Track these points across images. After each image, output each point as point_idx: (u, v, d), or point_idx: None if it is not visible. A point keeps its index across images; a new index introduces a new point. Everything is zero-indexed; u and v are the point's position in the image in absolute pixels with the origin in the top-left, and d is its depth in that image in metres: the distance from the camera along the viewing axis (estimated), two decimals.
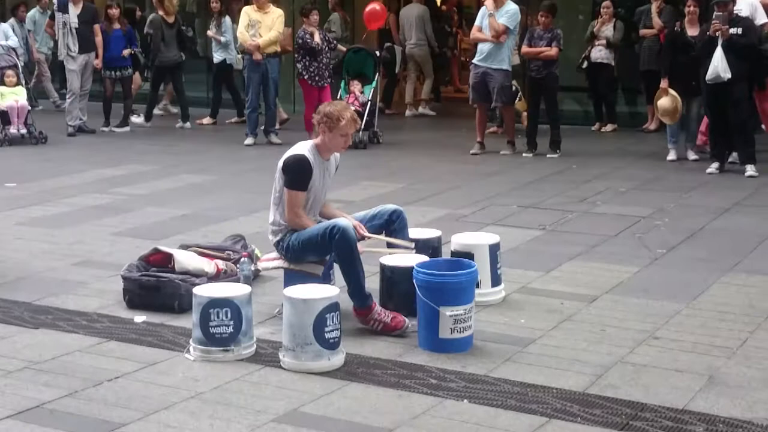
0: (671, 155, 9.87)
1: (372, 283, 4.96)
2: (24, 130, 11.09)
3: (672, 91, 9.43)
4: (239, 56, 12.48)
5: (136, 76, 13.17)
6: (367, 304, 4.71)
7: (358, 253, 4.69)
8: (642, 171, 9.36)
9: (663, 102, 9.53)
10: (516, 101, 11.03)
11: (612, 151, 10.63)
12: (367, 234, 4.91)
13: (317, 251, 4.81)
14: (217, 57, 12.69)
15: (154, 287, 5.10)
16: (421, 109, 13.66)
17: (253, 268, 5.40)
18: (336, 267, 5.05)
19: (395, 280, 4.83)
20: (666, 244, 6.48)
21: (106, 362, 4.37)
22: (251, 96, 10.99)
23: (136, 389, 4.05)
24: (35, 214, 7.55)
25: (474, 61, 10.30)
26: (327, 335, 4.23)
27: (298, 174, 4.80)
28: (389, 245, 4.98)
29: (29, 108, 11.35)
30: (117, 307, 5.16)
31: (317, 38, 10.79)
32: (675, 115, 9.53)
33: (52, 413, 3.82)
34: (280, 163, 4.87)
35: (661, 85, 9.55)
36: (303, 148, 4.89)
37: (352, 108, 10.52)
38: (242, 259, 5.35)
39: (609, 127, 12.04)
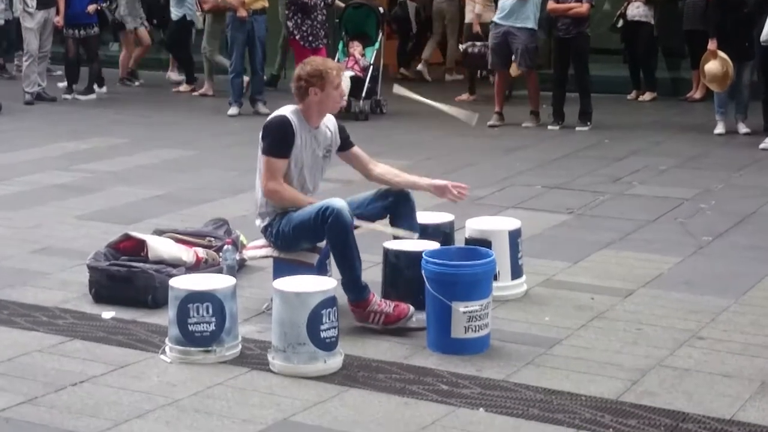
0: (719, 128, 9.86)
1: (372, 275, 4.98)
2: None
3: (721, 54, 9.40)
4: (200, 12, 12.50)
5: (143, 32, 13.16)
6: (363, 297, 4.72)
7: (354, 240, 4.71)
8: (685, 146, 9.36)
9: (711, 66, 9.50)
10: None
11: (650, 123, 10.63)
12: (369, 226, 4.93)
13: (310, 236, 4.82)
14: (175, 13, 12.68)
15: (125, 278, 5.11)
16: (448, 77, 13.67)
17: (237, 257, 5.41)
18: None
19: (400, 266, 4.84)
20: (712, 231, 6.48)
21: (70, 364, 4.39)
22: (235, 59, 10.99)
23: (105, 395, 4.07)
24: None
25: (494, 19, 10.29)
26: (322, 334, 4.25)
27: (277, 137, 4.80)
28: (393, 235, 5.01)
29: None
30: (82, 301, 5.17)
31: None
32: (724, 81, 9.50)
33: (8, 422, 3.84)
34: (261, 131, 4.89)
35: (708, 47, 9.52)
36: (285, 110, 4.90)
37: (352, 73, 10.66)
38: (225, 247, 5.37)
39: (647, 96, 12.03)
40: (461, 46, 11.87)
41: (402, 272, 4.83)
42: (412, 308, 4.69)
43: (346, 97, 5.07)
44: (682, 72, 12.50)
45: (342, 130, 5.10)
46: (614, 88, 12.13)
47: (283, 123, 4.83)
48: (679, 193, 7.50)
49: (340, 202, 4.71)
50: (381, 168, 5.16)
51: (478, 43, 11.44)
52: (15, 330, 4.78)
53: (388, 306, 4.71)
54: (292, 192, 4.85)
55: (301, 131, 4.85)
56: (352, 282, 4.72)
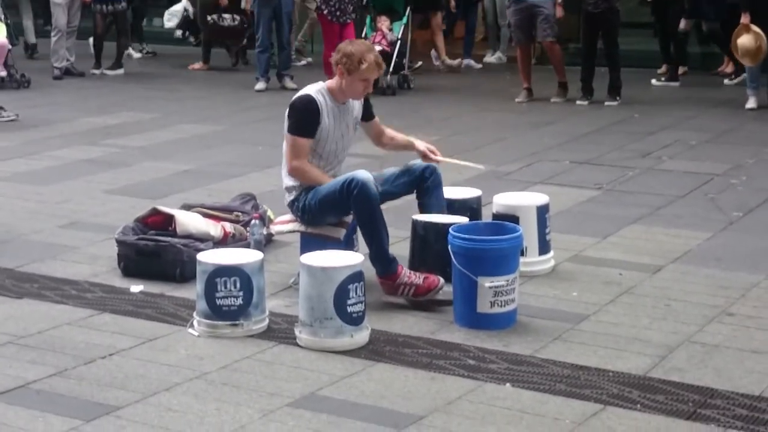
0: (751, 103, 9.76)
1: (400, 250, 4.98)
2: (3, 72, 11.14)
3: (754, 28, 9.29)
4: None
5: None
6: (392, 270, 4.73)
7: (380, 212, 4.72)
8: (716, 121, 9.27)
9: (743, 40, 9.40)
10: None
11: (681, 98, 10.53)
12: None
13: (336, 210, 4.83)
14: None
15: (153, 253, 5.15)
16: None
17: (265, 232, 5.43)
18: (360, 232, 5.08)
19: (429, 239, 4.83)
20: (743, 206, 6.43)
21: (99, 337, 4.43)
22: (261, 33, 10.98)
23: (133, 368, 4.11)
24: (18, 169, 7.63)
25: None
26: (349, 309, 4.26)
27: (302, 117, 4.80)
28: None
29: (10, 46, 11.39)
30: (111, 275, 5.21)
31: None
32: (757, 55, 9.40)
33: (38, 394, 3.89)
34: (287, 109, 4.89)
35: (741, 21, 9.41)
36: (311, 88, 4.90)
37: (379, 48, 10.63)
38: (253, 222, 5.39)
39: (678, 70, 11.89)
40: (208, 18, 11.96)
41: (431, 245, 4.82)
42: (442, 280, 4.69)
43: (370, 90, 5.00)
44: (713, 46, 12.35)
45: (366, 100, 5.10)
46: (644, 62, 12.00)
47: (308, 102, 4.83)
48: (710, 168, 7.44)
49: (364, 174, 4.71)
50: (388, 132, 5.30)
51: (227, 16, 11.58)
52: (45, 303, 4.83)
53: (417, 278, 4.72)
54: (315, 171, 4.86)
55: (327, 109, 4.86)
56: (380, 255, 4.72)
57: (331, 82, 4.92)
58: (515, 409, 3.75)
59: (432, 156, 5.11)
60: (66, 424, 3.64)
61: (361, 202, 4.67)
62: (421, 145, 5.19)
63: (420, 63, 12.30)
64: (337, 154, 4.98)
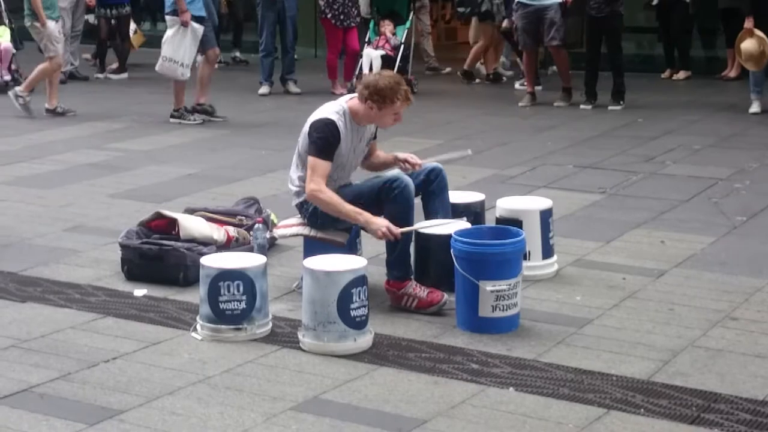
0: (754, 107, 9.76)
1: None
2: (8, 77, 11.18)
3: (758, 33, 9.30)
4: None
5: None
6: (408, 276, 4.75)
7: (413, 216, 4.72)
8: (720, 125, 9.27)
9: (747, 45, 9.41)
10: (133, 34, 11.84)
11: (685, 102, 10.53)
12: (400, 230, 4.68)
13: (364, 210, 4.78)
14: None
15: (157, 257, 5.15)
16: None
17: (268, 236, 5.43)
18: (363, 235, 5.07)
19: (432, 250, 4.83)
20: (747, 211, 6.43)
21: (103, 341, 4.43)
22: (266, 37, 10.99)
23: (137, 372, 4.12)
24: (21, 173, 7.64)
25: None
26: (353, 313, 4.26)
27: (322, 141, 4.74)
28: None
29: (14, 51, 11.42)
30: (114, 279, 5.22)
31: None
32: (761, 60, 9.41)
33: (42, 397, 3.89)
34: (308, 123, 4.86)
35: (745, 25, 9.42)
36: (333, 110, 4.82)
37: (382, 52, 10.63)
38: (256, 226, 5.39)
39: (681, 75, 11.92)
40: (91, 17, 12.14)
41: (434, 256, 4.82)
42: (445, 296, 4.69)
43: (400, 120, 4.92)
44: (717, 50, 12.37)
45: (375, 135, 5.07)
46: (648, 67, 12.01)
47: (329, 128, 4.75)
48: (714, 172, 7.44)
49: (407, 178, 4.72)
50: (379, 152, 5.16)
51: (90, 16, 11.85)
52: (48, 307, 4.83)
53: (422, 291, 4.72)
54: (333, 197, 4.74)
55: (346, 132, 4.81)
56: (401, 259, 4.73)
57: (355, 106, 4.83)
58: (518, 414, 3.75)
59: (412, 160, 4.95)
60: (69, 427, 3.64)
61: (400, 203, 4.67)
62: (401, 154, 5.06)
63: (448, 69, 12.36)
64: (346, 167, 4.95)
